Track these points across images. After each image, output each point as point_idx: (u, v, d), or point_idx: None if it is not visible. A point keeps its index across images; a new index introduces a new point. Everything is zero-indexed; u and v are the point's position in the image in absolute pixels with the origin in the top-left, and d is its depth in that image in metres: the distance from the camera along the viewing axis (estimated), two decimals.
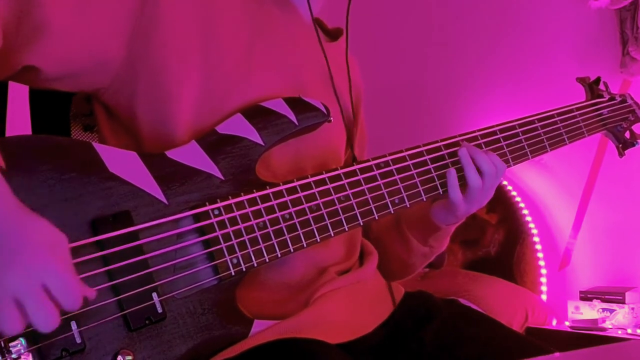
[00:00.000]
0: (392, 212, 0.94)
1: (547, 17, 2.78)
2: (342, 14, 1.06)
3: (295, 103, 0.91)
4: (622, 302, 2.41)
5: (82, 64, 0.84)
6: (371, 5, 2.72)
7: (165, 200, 0.80)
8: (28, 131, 1.04)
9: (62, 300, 0.65)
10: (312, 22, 1.02)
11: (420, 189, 0.97)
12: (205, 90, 0.88)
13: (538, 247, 2.80)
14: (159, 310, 0.76)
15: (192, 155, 0.83)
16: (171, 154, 0.83)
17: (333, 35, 1.10)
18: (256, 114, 0.88)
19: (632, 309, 2.41)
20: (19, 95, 1.00)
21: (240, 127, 0.87)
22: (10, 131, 0.75)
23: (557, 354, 0.75)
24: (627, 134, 1.30)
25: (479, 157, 0.98)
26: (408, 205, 0.95)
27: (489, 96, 2.90)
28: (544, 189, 2.86)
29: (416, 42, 2.98)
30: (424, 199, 0.97)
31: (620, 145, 1.30)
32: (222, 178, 0.84)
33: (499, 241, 2.89)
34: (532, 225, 2.82)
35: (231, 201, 0.82)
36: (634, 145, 1.30)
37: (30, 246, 0.64)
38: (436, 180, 0.98)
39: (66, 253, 0.67)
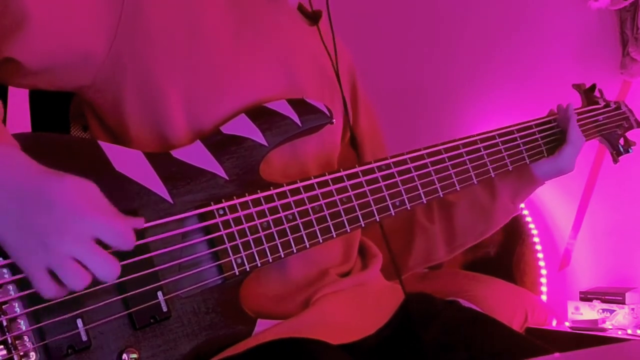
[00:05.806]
0: (393, 214, 0.95)
1: (547, 17, 2.78)
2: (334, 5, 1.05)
3: (299, 105, 0.91)
4: (622, 302, 2.41)
5: (63, 57, 0.82)
6: (372, 5, 2.73)
7: (170, 200, 0.80)
8: (28, 131, 1.04)
9: (116, 244, 0.67)
10: (320, 9, 1.03)
11: (421, 191, 0.98)
12: (194, 85, 0.87)
13: (538, 247, 2.79)
14: (164, 309, 0.77)
15: (197, 155, 0.84)
16: (176, 153, 0.83)
17: (313, 18, 1.07)
18: (260, 114, 0.89)
19: (632, 309, 2.40)
20: (19, 95, 1.00)
21: (244, 128, 0.87)
22: (11, 131, 0.74)
23: (557, 355, 0.74)
24: (622, 141, 1.33)
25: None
26: (409, 208, 0.97)
27: (488, 96, 2.90)
28: (544, 189, 2.84)
29: (415, 43, 2.98)
30: (424, 202, 0.99)
31: (615, 152, 1.33)
32: (227, 178, 0.85)
33: (498, 242, 2.88)
34: (532, 225, 2.81)
35: (236, 201, 0.83)
36: (628, 152, 1.34)
37: (67, 203, 0.66)
38: (436, 183, 1.00)
39: (101, 197, 0.69)
